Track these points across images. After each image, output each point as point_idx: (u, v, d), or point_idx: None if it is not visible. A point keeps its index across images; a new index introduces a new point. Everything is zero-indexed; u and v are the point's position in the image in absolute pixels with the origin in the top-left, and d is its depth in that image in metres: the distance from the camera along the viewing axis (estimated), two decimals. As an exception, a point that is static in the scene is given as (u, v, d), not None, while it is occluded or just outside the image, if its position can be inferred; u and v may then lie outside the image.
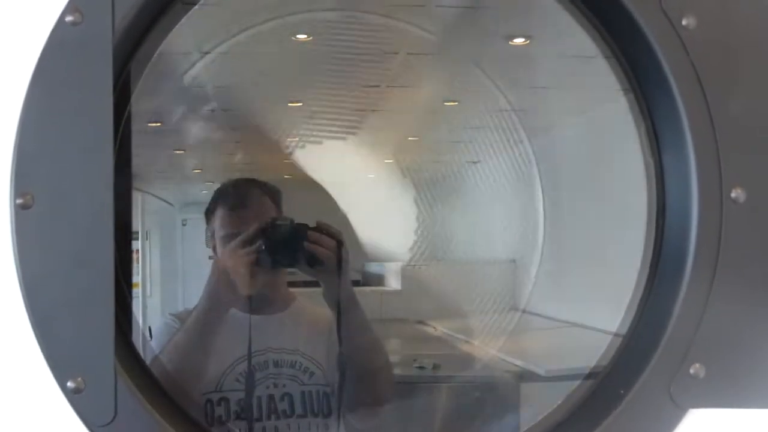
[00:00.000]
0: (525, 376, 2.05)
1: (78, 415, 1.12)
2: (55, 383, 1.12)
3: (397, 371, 1.97)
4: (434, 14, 1.98)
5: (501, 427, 1.80)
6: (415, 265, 2.17)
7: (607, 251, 1.83)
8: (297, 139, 2.04)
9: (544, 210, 2.10)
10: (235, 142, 2.08)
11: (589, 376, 1.39)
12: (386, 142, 2.16)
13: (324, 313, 1.69)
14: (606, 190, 1.91)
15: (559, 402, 1.37)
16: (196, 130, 1.98)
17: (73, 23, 1.12)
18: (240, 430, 1.66)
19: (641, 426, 1.25)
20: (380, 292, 2.26)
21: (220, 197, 1.76)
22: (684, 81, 1.25)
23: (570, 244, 2.11)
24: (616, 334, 1.41)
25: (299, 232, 1.65)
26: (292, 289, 1.78)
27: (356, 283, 1.79)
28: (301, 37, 1.95)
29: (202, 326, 1.62)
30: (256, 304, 1.68)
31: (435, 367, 2.13)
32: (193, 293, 1.71)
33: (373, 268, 2.32)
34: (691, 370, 1.24)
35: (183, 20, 1.32)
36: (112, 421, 1.12)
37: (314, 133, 2.07)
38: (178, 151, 2.05)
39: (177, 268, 2.10)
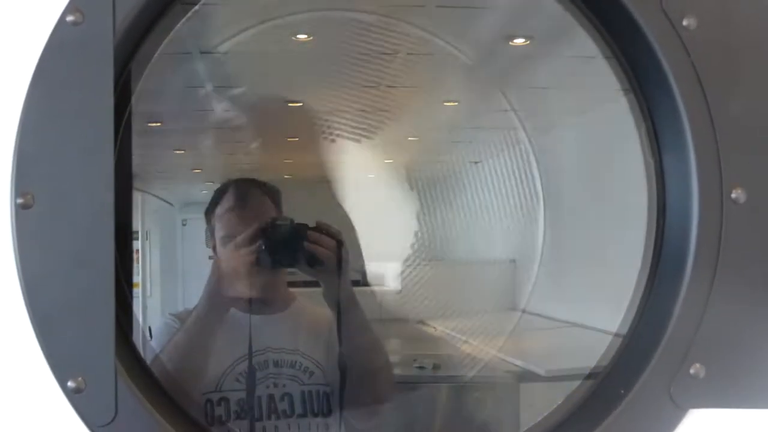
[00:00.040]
0: (525, 376, 2.05)
1: (78, 415, 1.12)
2: (55, 383, 1.12)
3: (397, 371, 1.97)
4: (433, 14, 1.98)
5: (501, 427, 1.80)
6: (415, 265, 2.16)
7: (608, 251, 1.82)
8: (297, 139, 2.04)
9: (544, 210, 2.09)
10: (235, 142, 2.08)
11: (589, 376, 1.39)
12: (386, 142, 2.16)
13: (324, 313, 1.69)
14: (606, 190, 1.91)
15: (559, 402, 1.37)
16: (196, 130, 1.98)
17: (74, 23, 1.12)
18: (240, 429, 1.66)
19: (641, 426, 1.25)
20: (380, 292, 2.25)
21: (219, 197, 1.75)
22: (684, 81, 1.25)
23: (570, 244, 2.11)
24: (616, 335, 1.41)
25: (299, 232, 1.65)
26: (292, 289, 1.78)
27: (356, 283, 1.79)
28: (301, 37, 1.95)
29: (202, 326, 1.62)
30: (256, 304, 1.68)
31: (435, 367, 2.13)
32: (193, 293, 1.71)
33: (373, 268, 2.32)
34: (691, 370, 1.24)
35: (183, 20, 1.32)
36: (112, 420, 1.12)
37: (314, 133, 2.06)
38: (178, 151, 2.05)
39: (177, 268, 2.10)
